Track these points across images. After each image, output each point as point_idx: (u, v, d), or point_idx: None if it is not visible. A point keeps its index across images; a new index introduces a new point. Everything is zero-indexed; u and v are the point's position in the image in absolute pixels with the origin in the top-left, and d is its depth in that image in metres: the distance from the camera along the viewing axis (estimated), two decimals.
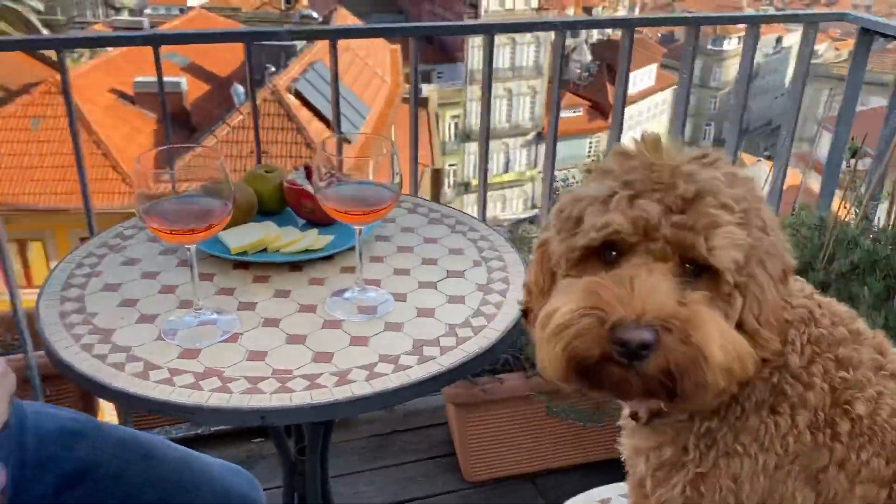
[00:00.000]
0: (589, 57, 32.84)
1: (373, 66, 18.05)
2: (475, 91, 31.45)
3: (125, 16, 21.03)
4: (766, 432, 0.93)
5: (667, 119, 38.07)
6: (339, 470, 2.31)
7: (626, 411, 1.06)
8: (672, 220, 0.83)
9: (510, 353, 2.16)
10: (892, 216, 2.06)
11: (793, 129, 2.41)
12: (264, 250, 1.43)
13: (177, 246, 1.42)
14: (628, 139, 0.92)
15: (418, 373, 1.14)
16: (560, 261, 0.91)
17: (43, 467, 1.14)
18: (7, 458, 1.11)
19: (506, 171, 30.91)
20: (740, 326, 0.87)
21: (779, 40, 37.68)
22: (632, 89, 34.25)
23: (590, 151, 30.03)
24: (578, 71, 32.60)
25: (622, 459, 1.09)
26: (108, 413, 2.66)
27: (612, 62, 33.64)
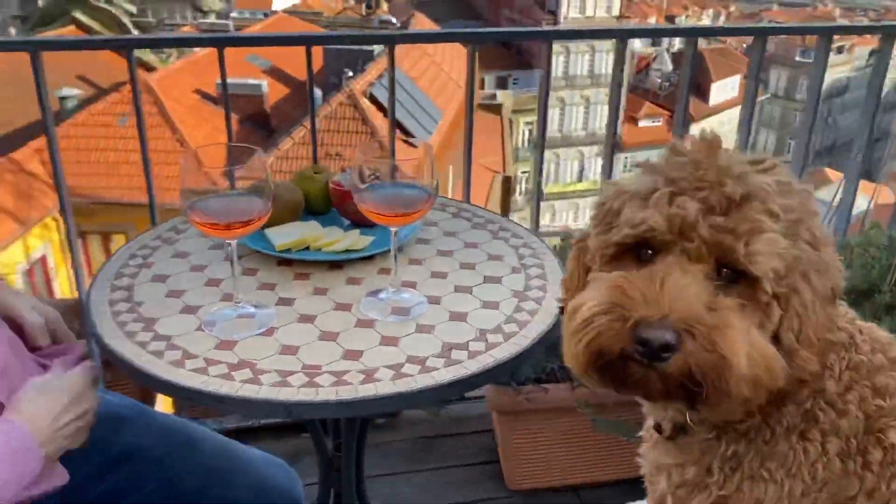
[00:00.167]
0: (670, 66, 32.25)
1: (448, 71, 18.16)
2: (551, 98, 31.26)
3: (212, 19, 21.77)
4: (795, 459, 0.90)
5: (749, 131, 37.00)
6: (381, 469, 2.34)
7: (649, 422, 1.04)
8: (711, 221, 0.80)
9: (556, 363, 2.15)
10: None
11: (863, 144, 2.32)
12: (307, 248, 1.46)
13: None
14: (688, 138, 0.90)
15: (444, 375, 1.15)
16: (595, 256, 0.90)
17: (89, 450, 1.19)
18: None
19: (580, 179, 30.58)
20: (778, 340, 0.84)
21: (872, 53, 36.23)
22: (714, 100, 33.50)
23: None
24: (659, 80, 32.06)
25: (642, 474, 1.07)
26: (165, 403, 2.75)
27: (693, 72, 32.88)
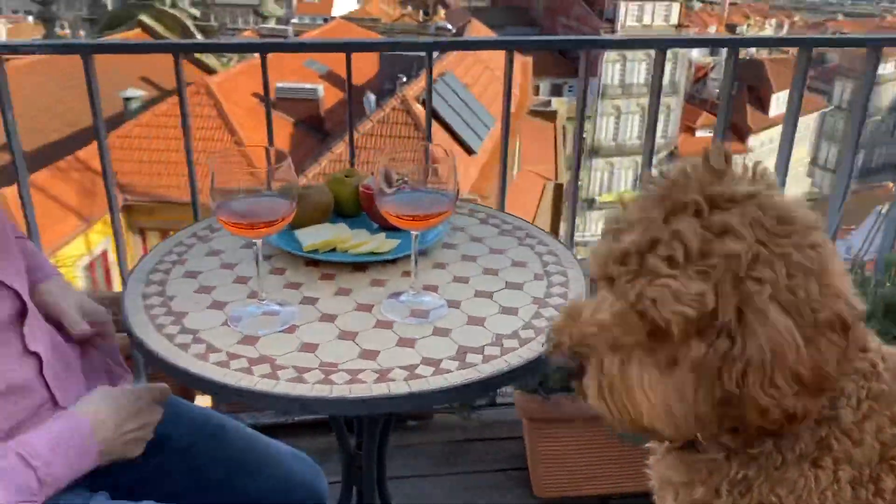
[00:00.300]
0: None
1: (501, 77, 18.13)
2: (606, 106, 31.01)
3: (272, 24, 22.24)
4: (806, 485, 0.89)
5: (808, 144, 36.13)
6: (410, 470, 2.36)
7: None
8: (621, 267, 0.86)
9: None
10: None
11: None
12: (334, 250, 1.50)
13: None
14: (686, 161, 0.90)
15: (456, 378, 1.16)
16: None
17: None
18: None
19: (635, 188, 30.17)
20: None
21: None
22: (774, 111, 32.74)
23: None
24: (717, 90, 31.49)
25: (650, 487, 1.07)
26: (204, 398, 2.82)
27: (753, 82, 32.28)
